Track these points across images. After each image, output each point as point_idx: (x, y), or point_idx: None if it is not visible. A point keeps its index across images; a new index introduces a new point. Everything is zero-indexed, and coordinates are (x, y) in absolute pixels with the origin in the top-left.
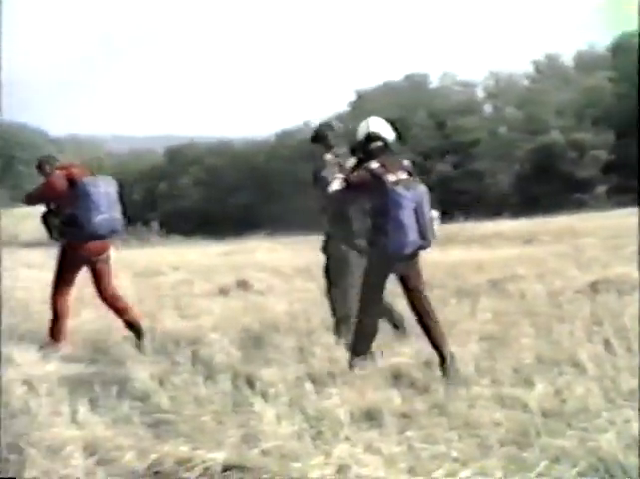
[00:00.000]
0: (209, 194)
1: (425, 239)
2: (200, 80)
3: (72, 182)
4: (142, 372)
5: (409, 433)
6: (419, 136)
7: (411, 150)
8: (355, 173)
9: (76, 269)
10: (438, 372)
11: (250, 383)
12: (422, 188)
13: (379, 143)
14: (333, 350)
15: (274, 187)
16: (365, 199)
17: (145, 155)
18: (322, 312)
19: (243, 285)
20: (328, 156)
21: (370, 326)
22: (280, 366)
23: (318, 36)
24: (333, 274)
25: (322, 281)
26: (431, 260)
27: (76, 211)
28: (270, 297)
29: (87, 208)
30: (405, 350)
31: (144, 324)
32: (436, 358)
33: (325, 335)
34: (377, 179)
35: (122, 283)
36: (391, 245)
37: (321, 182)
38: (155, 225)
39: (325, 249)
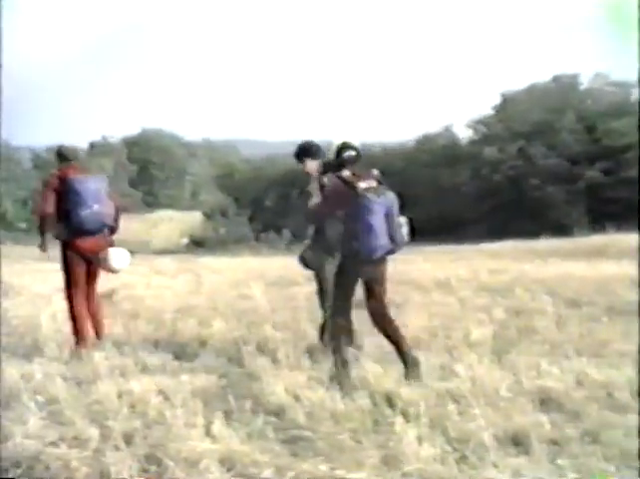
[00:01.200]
0: None
1: (394, 241)
2: (337, 84)
3: (63, 180)
4: (277, 386)
5: (560, 461)
6: (567, 140)
7: (558, 155)
8: (327, 182)
9: (78, 267)
10: (588, 394)
11: (389, 401)
12: (391, 195)
13: (351, 152)
14: (476, 368)
15: (412, 193)
16: (340, 207)
17: (280, 160)
18: (463, 328)
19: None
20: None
21: (343, 324)
22: (420, 384)
23: (459, 36)
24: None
25: (462, 294)
26: (579, 275)
27: (67, 206)
28: (407, 311)
29: (74, 203)
30: (554, 371)
31: (283, 336)
32: (587, 379)
33: (468, 353)
34: (349, 186)
35: (254, 292)
36: (363, 249)
37: (306, 197)
38: (287, 233)
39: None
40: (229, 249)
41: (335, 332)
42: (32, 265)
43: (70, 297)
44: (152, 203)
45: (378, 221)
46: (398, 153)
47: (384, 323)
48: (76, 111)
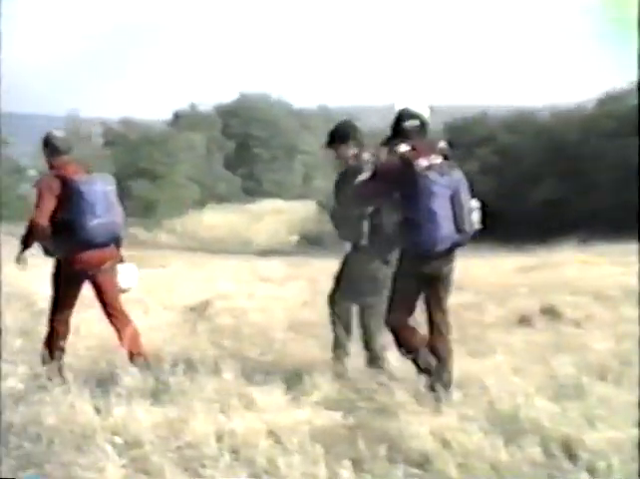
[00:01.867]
0: (502, 185)
1: (462, 232)
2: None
3: (64, 182)
4: (420, 427)
5: None
6: None
7: None
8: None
9: (74, 287)
10: None
11: (568, 450)
12: (458, 174)
13: (414, 122)
14: None
15: (591, 174)
16: (394, 189)
17: None
18: None
19: (550, 312)
20: (365, 155)
21: (411, 333)
22: (611, 428)
23: None
24: (365, 291)
25: None
26: None
27: (68, 216)
28: (589, 330)
29: (80, 211)
30: None
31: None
32: None
33: None
34: (406, 164)
35: None
36: (423, 241)
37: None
38: None
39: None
40: None
41: (411, 344)
42: None
43: (51, 322)
44: (253, 190)
45: (441, 206)
46: (573, 118)
47: (441, 338)
48: (154, 76)
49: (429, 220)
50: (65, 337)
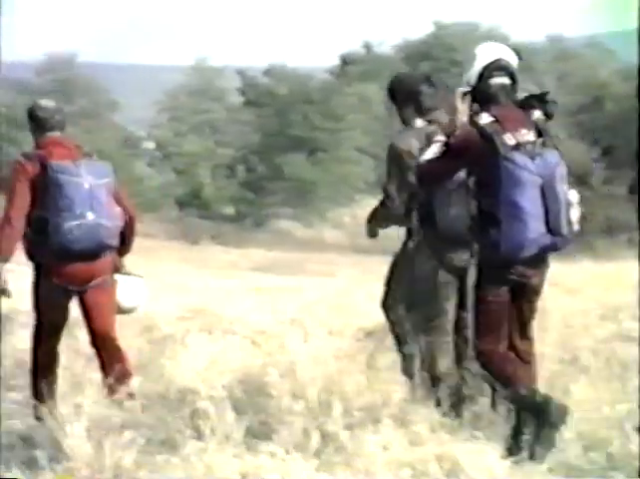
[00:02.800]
0: None
1: (557, 234)
2: None
3: (44, 167)
4: None
5: None
6: None
7: None
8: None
9: (57, 307)
10: None
11: None
12: (555, 156)
13: (503, 80)
14: None
15: None
16: (469, 171)
17: None
18: None
19: None
20: (419, 122)
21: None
22: None
23: None
24: (415, 299)
25: None
26: None
27: (43, 213)
28: None
29: (56, 208)
30: None
31: None
32: None
33: None
34: (487, 141)
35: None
36: (504, 242)
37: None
38: None
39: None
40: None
41: (508, 375)
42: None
43: (35, 351)
44: None
45: (529, 198)
46: None
47: (526, 364)
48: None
49: (512, 216)
50: (51, 372)
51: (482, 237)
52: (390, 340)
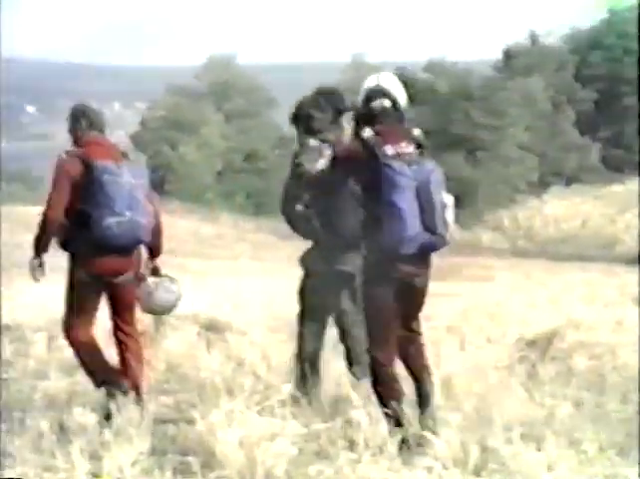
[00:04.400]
0: None
1: (434, 232)
2: None
3: (86, 165)
4: None
5: None
6: None
7: None
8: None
9: (90, 295)
10: None
11: None
12: (430, 164)
13: (384, 102)
14: None
15: None
16: (353, 178)
17: None
18: None
19: None
20: (312, 141)
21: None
22: None
23: None
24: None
25: None
26: None
27: (85, 208)
28: None
29: (97, 204)
30: None
31: None
32: None
33: None
34: (369, 150)
35: None
36: (386, 239)
37: (296, 171)
38: None
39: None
40: None
41: (386, 390)
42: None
43: (67, 329)
44: (620, 163)
45: (406, 200)
46: None
47: (416, 356)
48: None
49: (392, 215)
50: (93, 361)
51: (369, 237)
52: (554, 350)
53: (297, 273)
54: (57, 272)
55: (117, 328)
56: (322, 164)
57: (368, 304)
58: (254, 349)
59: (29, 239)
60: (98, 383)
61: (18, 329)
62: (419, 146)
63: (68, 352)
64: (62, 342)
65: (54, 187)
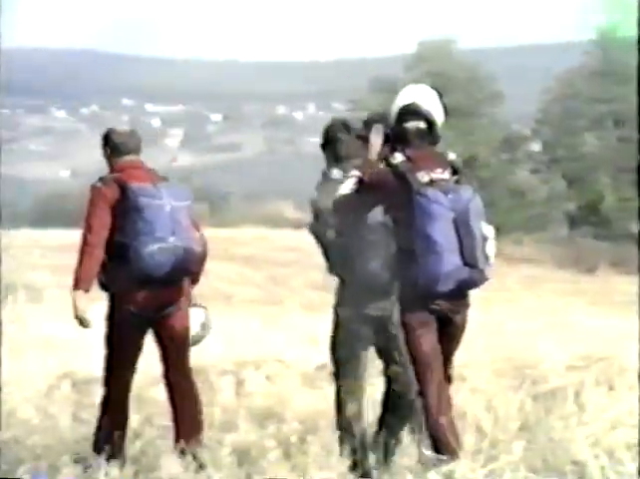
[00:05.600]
0: None
1: (474, 267)
2: None
3: (123, 190)
4: None
5: None
6: None
7: None
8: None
9: (131, 336)
10: None
11: None
12: (468, 192)
13: (419, 124)
14: None
15: None
16: (387, 212)
17: None
18: None
19: None
20: (335, 172)
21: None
22: None
23: None
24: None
25: None
26: None
27: (123, 238)
28: None
29: (137, 232)
30: None
31: None
32: None
33: None
34: (400, 178)
35: None
36: (421, 275)
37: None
38: None
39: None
40: None
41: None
42: None
43: (108, 383)
44: None
45: (442, 232)
46: None
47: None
48: None
49: (427, 249)
50: (122, 412)
51: (402, 273)
52: None
53: (529, 302)
54: (240, 306)
55: (167, 370)
56: (347, 186)
57: (413, 346)
58: (476, 398)
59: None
60: (98, 446)
61: (202, 373)
62: (455, 171)
63: (259, 399)
64: (252, 388)
65: (92, 212)
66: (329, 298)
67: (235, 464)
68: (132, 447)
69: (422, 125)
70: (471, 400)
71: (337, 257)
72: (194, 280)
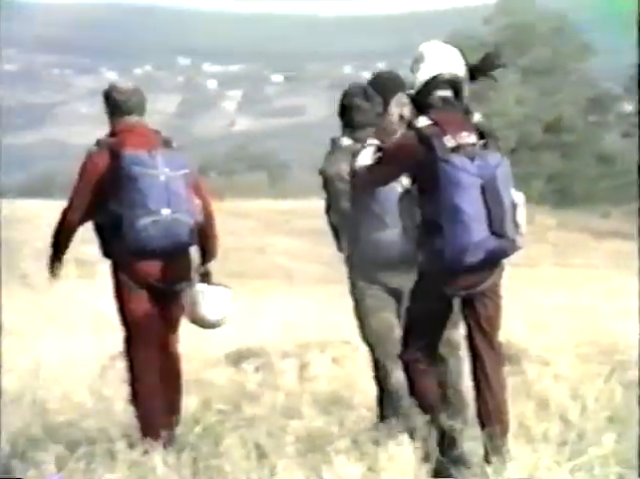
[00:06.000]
0: None
1: (503, 236)
2: None
3: (116, 157)
4: None
5: None
6: None
7: None
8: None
9: (141, 306)
10: None
11: None
12: (496, 157)
13: (446, 93)
14: None
15: None
16: (407, 176)
17: None
18: None
19: None
20: (344, 140)
21: (429, 383)
22: None
23: None
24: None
25: None
26: None
27: (117, 208)
28: None
29: (130, 203)
30: None
31: None
32: None
33: None
34: (425, 143)
35: None
36: (448, 248)
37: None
38: None
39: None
40: None
41: (425, 400)
42: None
43: (131, 359)
44: None
45: (470, 200)
46: None
47: (493, 383)
48: None
49: (454, 220)
50: (156, 394)
51: (427, 246)
52: None
53: (619, 281)
54: (303, 283)
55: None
56: (366, 156)
57: (416, 323)
58: (561, 385)
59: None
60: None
61: (263, 355)
62: (482, 135)
63: (323, 384)
64: (316, 371)
65: (76, 186)
66: None
67: (300, 453)
68: (190, 433)
69: (449, 94)
70: (555, 387)
71: (349, 229)
72: (209, 257)
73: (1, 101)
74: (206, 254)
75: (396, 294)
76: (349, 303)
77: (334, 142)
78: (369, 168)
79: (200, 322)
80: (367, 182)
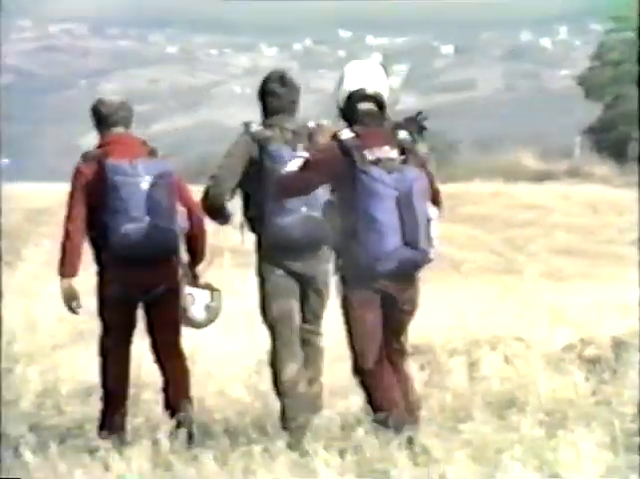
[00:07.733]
0: None
1: (415, 247)
2: None
3: (102, 168)
4: None
5: None
6: None
7: None
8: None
9: (120, 314)
10: None
11: None
12: (414, 172)
13: (369, 105)
14: None
15: None
16: (330, 185)
17: None
18: None
19: None
20: (254, 126)
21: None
22: None
23: None
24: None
25: None
26: None
27: (104, 216)
28: None
29: (113, 210)
30: None
31: None
32: None
33: None
34: (346, 154)
35: None
36: (362, 254)
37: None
38: None
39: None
40: None
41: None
42: None
43: (102, 350)
44: None
45: (385, 210)
46: None
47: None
48: None
49: (369, 228)
50: (122, 389)
51: (345, 251)
52: None
53: None
54: (471, 274)
55: (158, 355)
56: (294, 165)
57: (351, 318)
58: None
59: None
60: (102, 421)
61: (430, 352)
62: (403, 151)
63: (495, 384)
64: (488, 371)
65: (70, 198)
66: (576, 265)
67: (470, 459)
68: (353, 435)
69: (373, 107)
70: None
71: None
72: (197, 260)
73: (157, 84)
74: (195, 257)
75: (299, 279)
76: (523, 295)
77: (246, 126)
78: (293, 175)
79: (190, 324)
80: (290, 188)
